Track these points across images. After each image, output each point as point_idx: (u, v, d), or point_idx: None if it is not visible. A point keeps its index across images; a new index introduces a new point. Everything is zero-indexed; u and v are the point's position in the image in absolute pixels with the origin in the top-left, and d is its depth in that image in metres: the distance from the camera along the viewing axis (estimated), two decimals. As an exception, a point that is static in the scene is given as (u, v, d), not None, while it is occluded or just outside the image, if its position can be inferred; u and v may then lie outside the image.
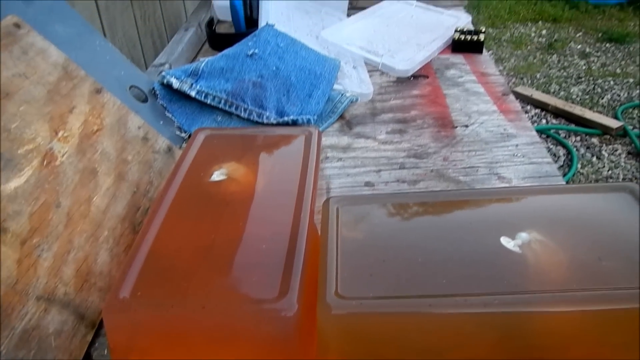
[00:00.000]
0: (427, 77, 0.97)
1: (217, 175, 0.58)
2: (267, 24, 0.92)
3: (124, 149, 0.66)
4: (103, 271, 0.54)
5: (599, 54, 3.32)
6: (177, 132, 0.80)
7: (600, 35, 3.52)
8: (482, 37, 1.06)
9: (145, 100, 0.80)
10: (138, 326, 0.43)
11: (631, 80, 2.96)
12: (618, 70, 3.07)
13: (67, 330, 0.48)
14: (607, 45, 3.42)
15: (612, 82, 2.91)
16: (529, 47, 3.42)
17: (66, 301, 0.49)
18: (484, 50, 1.07)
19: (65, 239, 0.53)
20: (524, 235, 0.47)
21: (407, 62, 0.98)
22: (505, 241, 0.46)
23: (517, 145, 0.76)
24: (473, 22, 1.18)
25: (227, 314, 0.42)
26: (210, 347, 0.43)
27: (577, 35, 3.56)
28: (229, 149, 0.63)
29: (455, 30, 1.08)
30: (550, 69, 3.10)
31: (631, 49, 3.34)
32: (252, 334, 0.42)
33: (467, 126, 0.82)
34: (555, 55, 3.31)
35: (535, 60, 3.23)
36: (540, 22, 3.80)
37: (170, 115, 0.81)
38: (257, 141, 0.64)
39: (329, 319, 0.41)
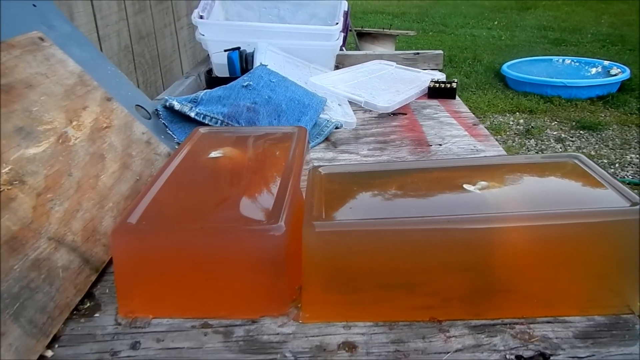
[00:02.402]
0: (406, 114, 1.07)
1: (214, 154, 0.64)
2: (260, 64, 1.03)
3: (129, 145, 0.73)
4: (107, 232, 0.59)
5: (573, 139, 3.50)
6: (176, 147, 0.87)
7: (574, 123, 3.74)
8: (454, 85, 1.18)
9: (148, 119, 0.88)
10: (142, 247, 0.48)
11: (605, 160, 3.12)
12: (592, 152, 3.24)
13: (74, 268, 0.52)
14: (581, 132, 3.62)
15: (587, 162, 3.06)
16: (507, 133, 3.61)
17: (74, 246, 0.54)
18: (457, 96, 1.18)
19: (75, 200, 0.59)
20: (483, 183, 0.53)
21: (387, 101, 1.08)
22: (467, 187, 0.53)
23: (486, 157, 0.84)
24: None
25: (223, 234, 0.47)
26: (206, 268, 0.47)
27: (553, 123, 3.78)
28: (226, 141, 0.70)
29: (431, 81, 1.20)
30: (529, 151, 3.26)
31: (603, 135, 3.55)
32: (245, 253, 0.47)
33: (440, 145, 0.90)
34: (532, 140, 3.49)
35: (514, 144, 3.41)
36: (517, 113, 4.03)
37: (170, 133, 0.88)
38: (251, 135, 0.72)
39: (313, 236, 0.46)
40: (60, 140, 0.63)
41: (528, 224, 0.46)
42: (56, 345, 0.46)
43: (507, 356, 0.42)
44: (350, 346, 0.44)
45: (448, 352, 0.43)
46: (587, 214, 0.46)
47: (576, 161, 0.57)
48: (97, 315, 0.49)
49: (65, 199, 0.58)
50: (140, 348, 0.45)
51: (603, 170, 0.54)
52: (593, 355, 0.41)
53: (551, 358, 0.41)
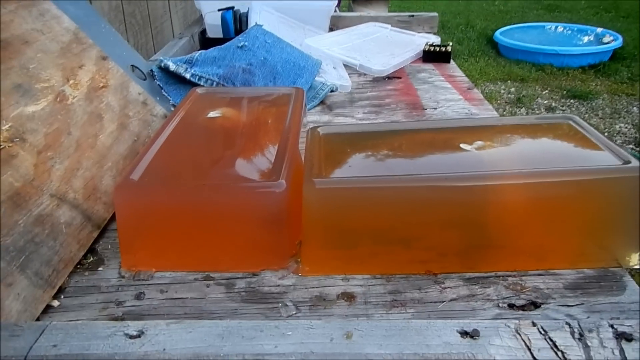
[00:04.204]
0: (400, 77, 1.08)
1: (213, 114, 0.65)
2: (255, 24, 1.02)
3: (125, 106, 0.73)
4: (107, 191, 0.60)
5: (564, 107, 3.51)
6: (172, 109, 0.87)
7: (564, 92, 3.74)
8: (449, 48, 1.18)
9: (144, 79, 0.87)
10: (145, 203, 0.48)
11: (595, 129, 3.14)
12: (582, 121, 3.25)
13: (76, 224, 0.53)
14: (572, 100, 3.63)
15: (577, 130, 3.08)
16: (498, 102, 3.62)
17: (75, 204, 0.55)
18: (451, 60, 1.18)
19: (74, 159, 0.59)
20: (480, 142, 0.54)
21: (382, 64, 1.08)
22: (464, 146, 0.54)
23: (481, 118, 0.85)
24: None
25: (225, 191, 0.48)
26: (209, 223, 0.48)
27: (544, 92, 3.78)
28: (223, 101, 0.71)
29: (426, 44, 1.20)
30: (519, 119, 3.27)
31: (593, 104, 3.56)
32: (246, 209, 0.48)
33: (435, 108, 0.91)
34: (523, 109, 3.50)
35: (505, 113, 3.41)
36: (509, 82, 4.03)
37: (166, 94, 0.88)
38: (249, 95, 0.72)
39: (313, 193, 0.47)
40: (58, 99, 0.63)
41: (523, 182, 0.47)
42: (62, 296, 0.47)
43: (500, 304, 0.44)
44: (349, 296, 0.45)
45: (443, 302, 0.44)
46: (580, 171, 0.47)
47: (571, 122, 0.58)
48: (100, 269, 0.50)
49: (66, 158, 0.58)
50: (144, 298, 0.46)
51: (596, 131, 0.55)
52: (582, 304, 0.43)
53: (542, 306, 0.43)
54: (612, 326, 0.32)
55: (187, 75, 0.90)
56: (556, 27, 4.41)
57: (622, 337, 0.32)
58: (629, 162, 0.47)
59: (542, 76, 4.04)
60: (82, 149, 0.61)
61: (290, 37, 1.13)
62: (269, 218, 0.48)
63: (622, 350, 0.31)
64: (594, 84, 3.85)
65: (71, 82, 0.67)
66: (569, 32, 4.33)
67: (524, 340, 0.32)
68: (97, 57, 0.75)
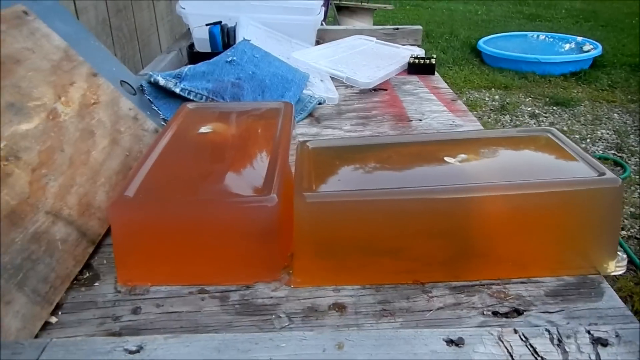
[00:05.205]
0: (386, 89, 1.10)
1: (204, 129, 0.66)
2: (243, 38, 1.04)
3: (117, 121, 0.74)
4: (101, 207, 0.61)
5: (547, 114, 3.57)
6: (162, 123, 0.88)
7: (547, 99, 3.81)
8: (433, 60, 1.21)
9: (133, 94, 0.89)
10: (140, 219, 0.50)
11: (577, 136, 3.20)
12: (565, 128, 3.31)
13: (72, 240, 0.54)
14: (554, 108, 3.69)
15: (559, 137, 3.13)
16: (483, 109, 3.67)
17: (70, 220, 0.56)
18: (435, 72, 1.21)
19: (68, 176, 0.60)
20: (463, 155, 0.56)
21: (369, 76, 1.10)
22: (448, 159, 0.56)
23: (464, 131, 0.88)
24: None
25: (218, 206, 0.49)
26: (202, 238, 0.50)
27: (527, 99, 3.84)
28: (214, 116, 0.72)
29: (411, 57, 1.22)
30: (503, 127, 3.32)
31: (575, 111, 3.62)
32: (239, 224, 0.49)
33: (420, 120, 0.93)
34: (507, 116, 3.55)
35: (489, 120, 3.46)
36: (493, 89, 4.08)
37: (156, 109, 0.89)
38: (238, 110, 0.74)
39: (304, 207, 0.49)
40: (50, 117, 0.64)
41: (504, 193, 0.49)
42: (60, 312, 0.48)
43: (485, 312, 0.45)
44: (340, 307, 0.47)
45: (430, 310, 0.46)
46: (558, 183, 0.49)
47: (549, 135, 0.61)
48: (97, 284, 0.51)
49: (59, 175, 0.59)
50: (141, 313, 0.47)
51: (574, 143, 0.58)
52: (562, 310, 0.45)
53: (524, 313, 0.45)
54: (589, 332, 0.34)
55: (177, 90, 0.91)
56: (538, 36, 4.49)
57: (598, 342, 0.34)
58: (603, 173, 0.50)
59: (525, 84, 4.10)
60: (75, 165, 0.62)
61: (277, 51, 1.15)
62: (261, 232, 0.50)
63: (597, 355, 0.33)
64: (575, 91, 3.92)
65: (62, 99, 0.68)
66: (551, 40, 4.41)
67: (506, 347, 0.34)
68: (88, 73, 0.76)
